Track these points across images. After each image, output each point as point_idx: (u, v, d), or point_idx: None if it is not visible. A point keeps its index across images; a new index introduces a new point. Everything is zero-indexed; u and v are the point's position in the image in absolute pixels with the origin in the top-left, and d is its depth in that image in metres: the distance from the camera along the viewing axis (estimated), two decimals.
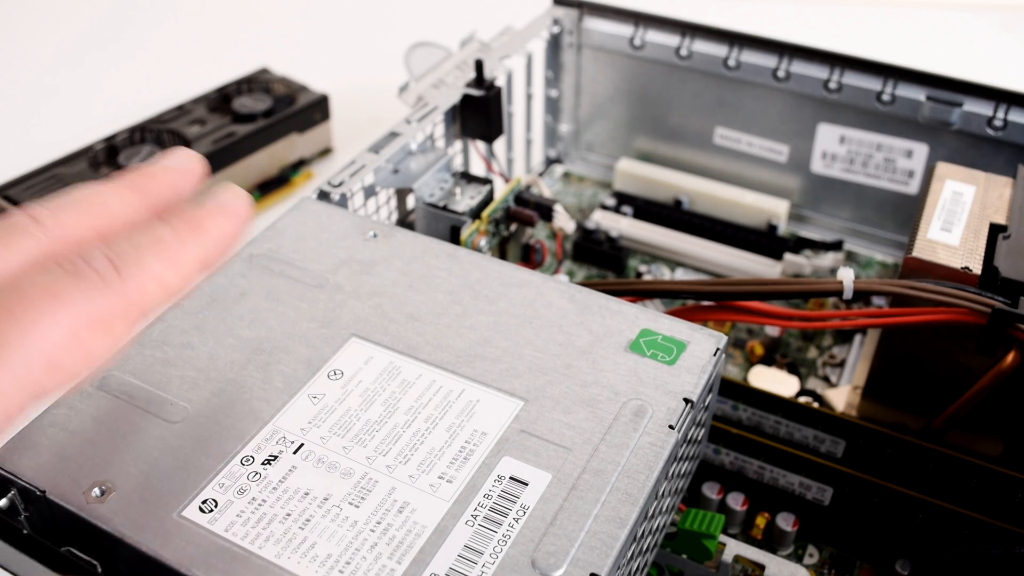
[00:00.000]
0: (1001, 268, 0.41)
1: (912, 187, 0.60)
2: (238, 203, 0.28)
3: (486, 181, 0.52)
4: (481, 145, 0.58)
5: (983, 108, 0.55)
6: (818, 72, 0.59)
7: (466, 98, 0.55)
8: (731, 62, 0.61)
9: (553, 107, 0.70)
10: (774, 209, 0.63)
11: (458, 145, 0.58)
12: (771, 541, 0.45)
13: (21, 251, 0.24)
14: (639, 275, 0.62)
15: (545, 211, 0.53)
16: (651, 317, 0.37)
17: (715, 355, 0.35)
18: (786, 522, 0.44)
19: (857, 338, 0.57)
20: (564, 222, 0.54)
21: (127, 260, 0.24)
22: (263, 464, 0.31)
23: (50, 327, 0.22)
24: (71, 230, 0.25)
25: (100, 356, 0.23)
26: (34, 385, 0.22)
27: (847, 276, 0.42)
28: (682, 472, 0.37)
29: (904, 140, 0.59)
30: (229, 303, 0.37)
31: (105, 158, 0.65)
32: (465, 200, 0.50)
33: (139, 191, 0.27)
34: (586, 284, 0.40)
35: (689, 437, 0.35)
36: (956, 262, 0.42)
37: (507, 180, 0.58)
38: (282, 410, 0.33)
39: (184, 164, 0.29)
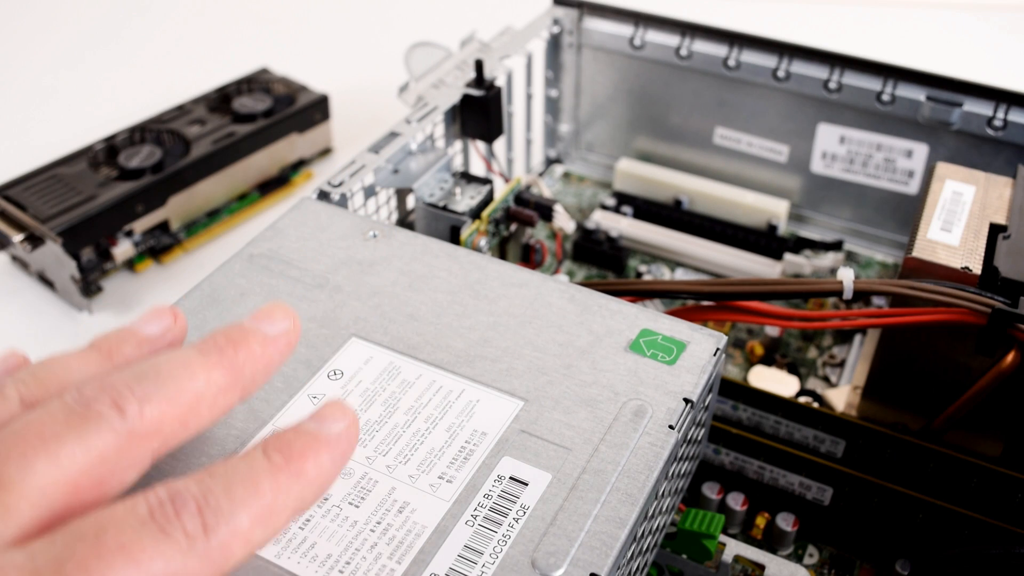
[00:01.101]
0: (1001, 268, 0.41)
1: (912, 187, 0.60)
2: (347, 438, 0.25)
3: (486, 181, 0.52)
4: (481, 145, 0.58)
5: (983, 108, 0.55)
6: (818, 72, 0.59)
7: (466, 98, 0.55)
8: (731, 62, 0.61)
9: (553, 107, 0.70)
10: (774, 209, 0.63)
11: (458, 145, 0.58)
12: (771, 541, 0.45)
13: (96, 449, 0.22)
14: (639, 275, 0.62)
15: (545, 211, 0.53)
16: (651, 317, 0.37)
17: (715, 355, 0.35)
18: (786, 522, 0.44)
19: (857, 338, 0.57)
20: (564, 222, 0.54)
21: (219, 517, 0.22)
22: None
23: None
24: (154, 423, 0.23)
25: None
26: None
27: (847, 276, 0.42)
28: (682, 472, 0.37)
29: (904, 140, 0.59)
30: (229, 303, 0.37)
31: (105, 158, 0.65)
32: (465, 200, 0.50)
33: (230, 369, 0.25)
34: (586, 284, 0.40)
35: (689, 437, 0.35)
36: (956, 262, 0.42)
37: (507, 180, 0.58)
38: (282, 410, 0.33)
39: (281, 328, 0.27)
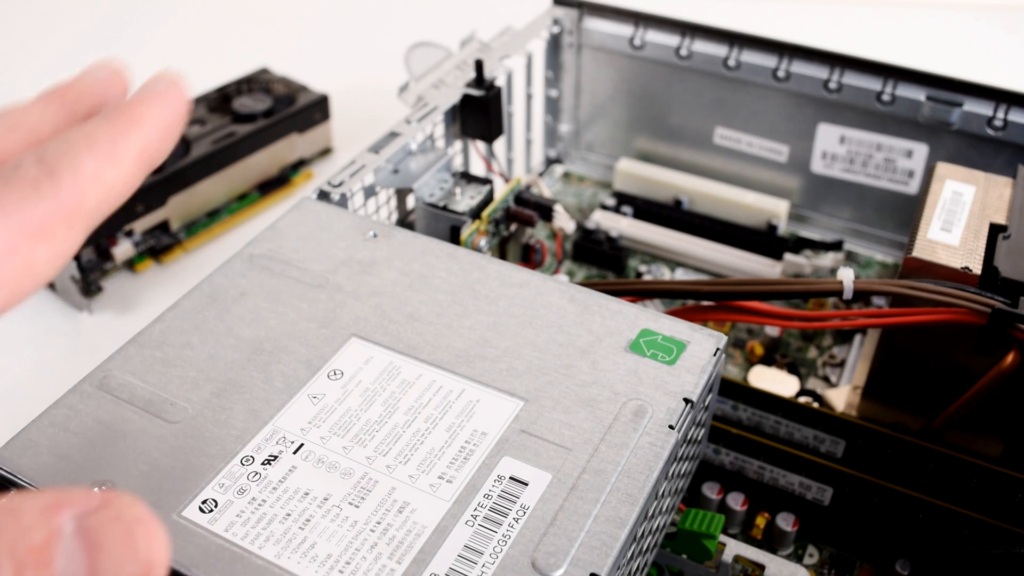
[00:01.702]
0: (1001, 268, 0.41)
1: (912, 187, 0.60)
2: (173, 88, 0.26)
3: (486, 181, 0.52)
4: (481, 145, 0.58)
5: (983, 108, 0.55)
6: (818, 72, 0.59)
7: (466, 98, 0.55)
8: (731, 62, 0.61)
9: (553, 107, 0.70)
10: (774, 209, 0.63)
11: (458, 145, 0.58)
12: (771, 541, 0.45)
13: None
14: (639, 275, 0.62)
15: (545, 211, 0.53)
16: (651, 317, 0.37)
17: (715, 355, 0.35)
18: (786, 522, 0.44)
19: (857, 338, 0.57)
20: (564, 222, 0.54)
21: (60, 160, 0.22)
22: (263, 464, 0.31)
23: None
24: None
25: (44, 269, 0.22)
26: None
27: (847, 276, 0.42)
28: (682, 472, 0.37)
29: (904, 140, 0.59)
30: (229, 303, 0.37)
31: None
32: (465, 200, 0.50)
33: (62, 101, 0.26)
34: (586, 284, 0.40)
35: (689, 437, 0.35)
36: (956, 262, 0.42)
37: (507, 180, 0.58)
38: (282, 410, 0.33)
39: (107, 75, 0.28)
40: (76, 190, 0.22)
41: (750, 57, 0.60)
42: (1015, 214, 0.44)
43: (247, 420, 0.33)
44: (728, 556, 0.38)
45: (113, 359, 0.35)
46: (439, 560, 0.28)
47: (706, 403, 0.36)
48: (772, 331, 0.56)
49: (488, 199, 0.51)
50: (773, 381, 0.53)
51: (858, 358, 0.55)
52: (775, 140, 0.63)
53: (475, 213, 0.50)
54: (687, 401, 0.33)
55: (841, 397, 0.51)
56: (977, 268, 0.42)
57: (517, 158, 0.69)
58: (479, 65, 0.55)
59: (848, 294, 0.42)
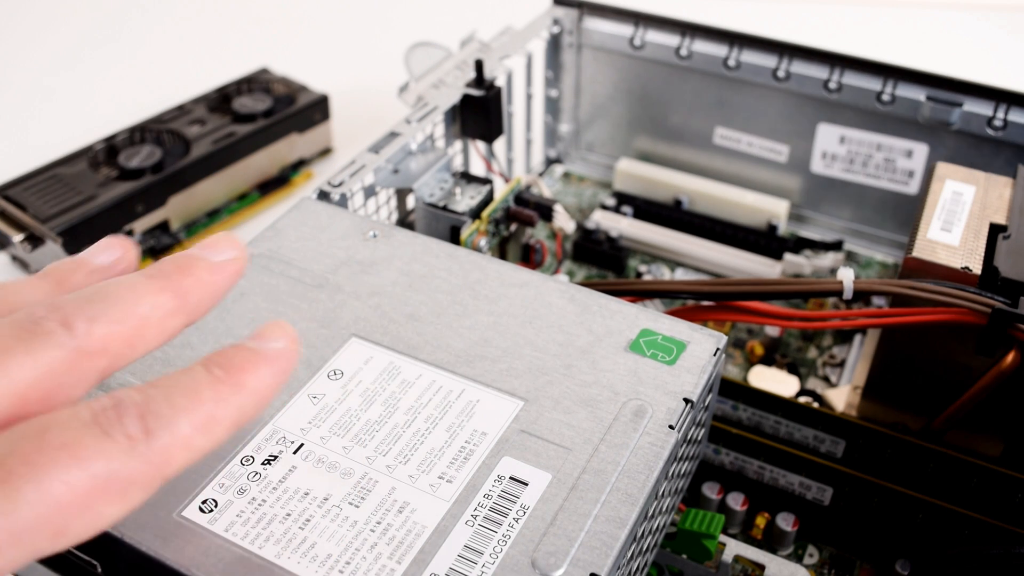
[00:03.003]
0: (1001, 268, 0.41)
1: (912, 187, 0.60)
2: (286, 354, 0.26)
3: (486, 181, 0.52)
4: (481, 145, 0.58)
5: (983, 108, 0.55)
6: (818, 72, 0.59)
7: (466, 98, 0.55)
8: (731, 62, 0.61)
9: (553, 107, 0.70)
10: (774, 209, 0.63)
11: (458, 145, 0.58)
12: (771, 541, 0.45)
13: (44, 363, 0.22)
14: (639, 275, 0.62)
15: (545, 211, 0.53)
16: (651, 317, 0.37)
17: (715, 355, 0.35)
18: (786, 522, 0.44)
19: (857, 338, 0.57)
20: (564, 222, 0.54)
21: (160, 421, 0.22)
22: (263, 464, 0.31)
23: (62, 487, 0.20)
24: (102, 341, 0.24)
25: (110, 522, 0.22)
26: (32, 547, 0.20)
27: (847, 276, 0.42)
28: (682, 472, 0.37)
29: (904, 140, 0.59)
30: (229, 303, 0.37)
31: (105, 158, 0.65)
32: (465, 200, 0.50)
33: (176, 293, 0.26)
34: (586, 284, 0.40)
35: (689, 437, 0.35)
36: (956, 262, 0.42)
37: (507, 180, 0.58)
38: (282, 410, 0.33)
39: (228, 256, 0.27)
40: (165, 455, 0.22)
41: (750, 57, 0.60)
42: (1015, 214, 0.45)
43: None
44: (728, 556, 0.38)
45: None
46: (439, 560, 0.28)
47: (706, 403, 0.36)
48: (772, 331, 0.56)
49: (488, 199, 0.51)
50: (773, 381, 0.53)
51: (858, 358, 0.55)
52: (775, 140, 0.63)
53: (475, 213, 0.50)
54: (687, 401, 0.33)
55: (841, 397, 0.51)
56: (977, 268, 0.42)
57: (517, 158, 0.69)
58: (479, 65, 0.55)
59: (848, 294, 0.42)
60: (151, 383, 0.24)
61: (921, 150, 0.59)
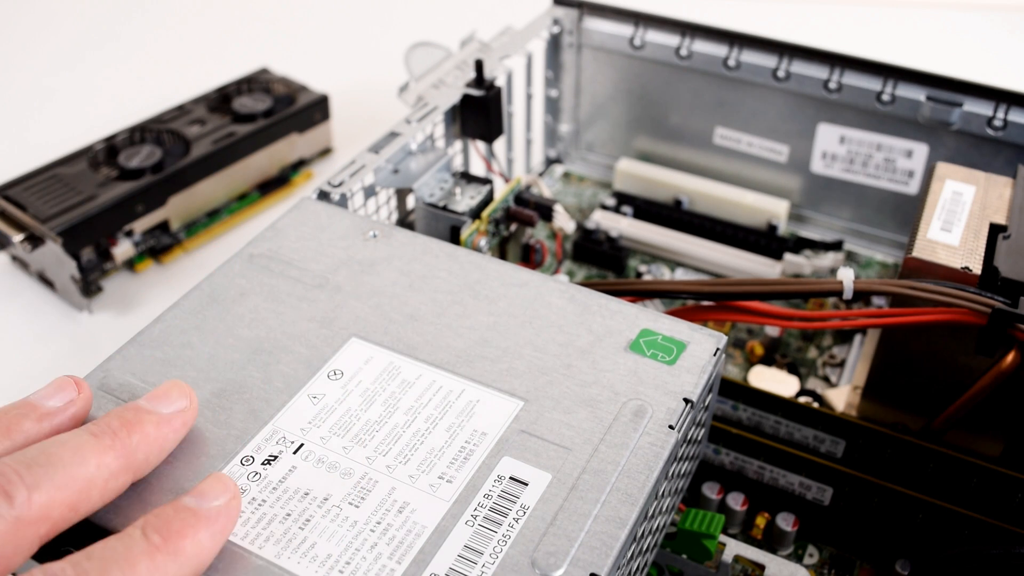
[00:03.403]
0: (1001, 268, 0.41)
1: (912, 187, 0.60)
2: (227, 512, 0.26)
3: (486, 181, 0.52)
4: (481, 145, 0.58)
5: (983, 108, 0.55)
6: (818, 72, 0.59)
7: (466, 98, 0.55)
8: (731, 62, 0.61)
9: (553, 107, 0.70)
10: (774, 209, 0.63)
11: (458, 145, 0.58)
12: (771, 541, 0.45)
13: None
14: (639, 275, 0.62)
15: (545, 211, 0.53)
16: (651, 317, 0.37)
17: (715, 355, 0.35)
18: (786, 522, 0.44)
19: (857, 338, 0.57)
20: (564, 222, 0.54)
21: None
22: (263, 464, 0.31)
23: None
24: (42, 509, 0.23)
25: None
26: None
27: (847, 276, 0.42)
28: (682, 472, 0.37)
29: (904, 140, 0.59)
30: (229, 303, 0.37)
31: (105, 158, 0.65)
32: (465, 200, 0.50)
33: (122, 451, 0.25)
34: (586, 284, 0.40)
35: (689, 437, 0.35)
36: (956, 262, 0.42)
37: (507, 180, 0.58)
38: (282, 410, 0.33)
39: (177, 408, 0.27)
40: None
41: (750, 57, 0.60)
42: (1015, 214, 0.45)
43: (247, 420, 0.33)
44: (728, 556, 0.38)
45: (113, 359, 0.35)
46: (439, 560, 0.28)
47: (706, 403, 0.36)
48: (772, 331, 0.56)
49: (488, 199, 0.51)
50: (773, 381, 0.53)
51: (858, 358, 0.55)
52: (775, 140, 0.63)
53: (475, 213, 0.50)
54: (687, 401, 0.33)
55: (841, 397, 0.51)
56: (977, 268, 0.42)
57: (517, 158, 0.69)
58: (479, 65, 0.55)
59: (848, 294, 0.42)
60: (85, 552, 0.23)
61: (921, 150, 0.59)
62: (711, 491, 0.45)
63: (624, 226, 0.63)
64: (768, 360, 0.55)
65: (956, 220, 0.44)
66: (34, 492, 0.23)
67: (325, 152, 0.76)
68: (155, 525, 0.24)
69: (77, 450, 0.25)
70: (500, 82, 0.57)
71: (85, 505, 0.25)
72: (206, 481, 0.26)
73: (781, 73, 0.60)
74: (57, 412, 0.28)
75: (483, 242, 0.50)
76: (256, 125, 0.68)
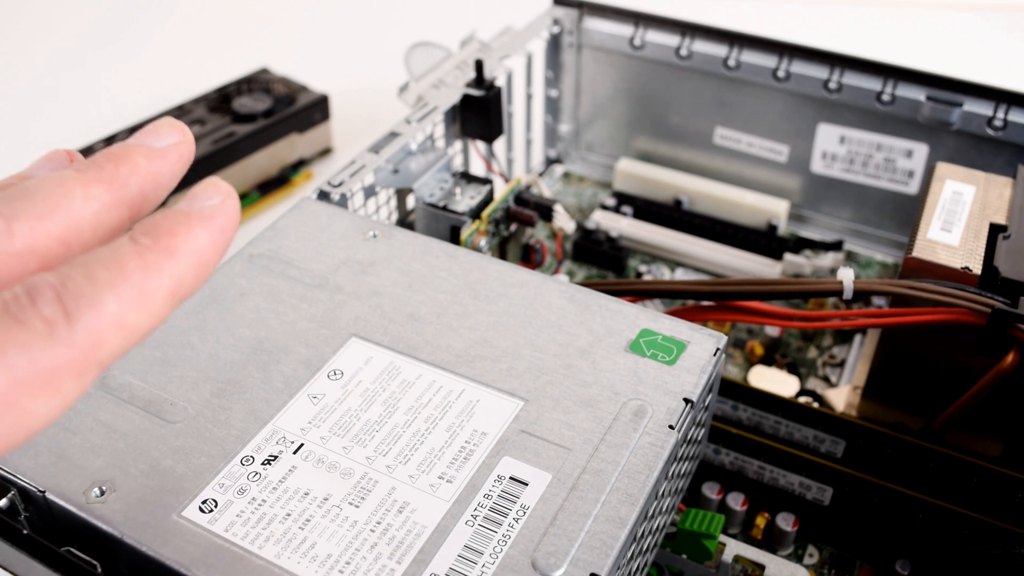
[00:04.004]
0: (1001, 268, 0.41)
1: (912, 187, 0.60)
2: (223, 210, 0.23)
3: (486, 181, 0.52)
4: (481, 145, 0.58)
5: (983, 108, 0.55)
6: (818, 72, 0.59)
7: (466, 98, 0.55)
8: (731, 62, 0.61)
9: (553, 107, 0.70)
10: (774, 209, 0.63)
11: (458, 145, 0.58)
12: (771, 541, 0.45)
13: None
14: (639, 275, 0.62)
15: (545, 211, 0.53)
16: (651, 317, 0.37)
17: (715, 355, 0.35)
18: (786, 522, 0.44)
19: (857, 338, 0.57)
20: (564, 222, 0.54)
21: (80, 301, 0.20)
22: (263, 464, 0.31)
23: None
24: (25, 240, 0.21)
25: (44, 420, 0.19)
26: None
27: (847, 276, 0.42)
28: (682, 472, 0.37)
29: (904, 140, 0.59)
30: (229, 303, 0.37)
31: None
32: (465, 200, 0.50)
33: (111, 183, 0.23)
34: (586, 284, 0.40)
35: (689, 437, 0.35)
36: (956, 262, 0.42)
37: (507, 180, 0.58)
38: (282, 410, 0.33)
39: (170, 142, 0.24)
40: (93, 337, 0.20)
41: (750, 57, 0.60)
42: (1015, 214, 0.44)
43: (247, 420, 0.33)
44: (728, 556, 0.38)
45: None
46: (439, 560, 0.28)
47: (706, 403, 0.36)
48: (772, 331, 0.56)
49: (488, 199, 0.51)
50: (773, 381, 0.53)
51: (858, 358, 0.55)
52: (775, 140, 0.63)
53: (475, 213, 0.50)
54: (687, 401, 0.33)
55: (841, 397, 0.51)
56: (977, 268, 0.42)
57: (517, 158, 0.69)
58: (479, 65, 0.55)
59: (848, 294, 0.42)
60: (69, 261, 0.21)
61: (921, 150, 0.59)
62: (711, 491, 0.45)
63: (624, 226, 0.63)
64: (768, 360, 0.55)
65: (956, 220, 0.44)
66: (13, 222, 0.21)
67: (325, 152, 0.76)
68: (143, 228, 0.22)
69: (60, 183, 0.22)
70: (500, 82, 0.57)
71: (77, 240, 0.22)
72: (197, 186, 0.24)
73: (781, 73, 0.60)
74: (167, 151, 0.25)
75: (483, 242, 0.50)
76: (256, 125, 0.68)
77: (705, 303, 0.45)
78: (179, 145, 0.25)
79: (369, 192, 0.49)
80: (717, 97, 0.63)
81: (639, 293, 0.46)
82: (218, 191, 0.23)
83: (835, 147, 0.61)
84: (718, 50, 0.61)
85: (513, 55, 0.60)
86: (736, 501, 0.45)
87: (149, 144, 0.24)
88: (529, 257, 0.57)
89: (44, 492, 0.30)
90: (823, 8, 0.98)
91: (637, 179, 0.66)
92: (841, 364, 0.55)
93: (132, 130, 0.66)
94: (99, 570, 0.30)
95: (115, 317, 0.20)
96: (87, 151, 0.64)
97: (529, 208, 0.53)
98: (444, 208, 0.49)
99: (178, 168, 0.25)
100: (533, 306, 0.37)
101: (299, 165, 0.73)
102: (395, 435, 0.32)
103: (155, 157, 0.24)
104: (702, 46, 0.62)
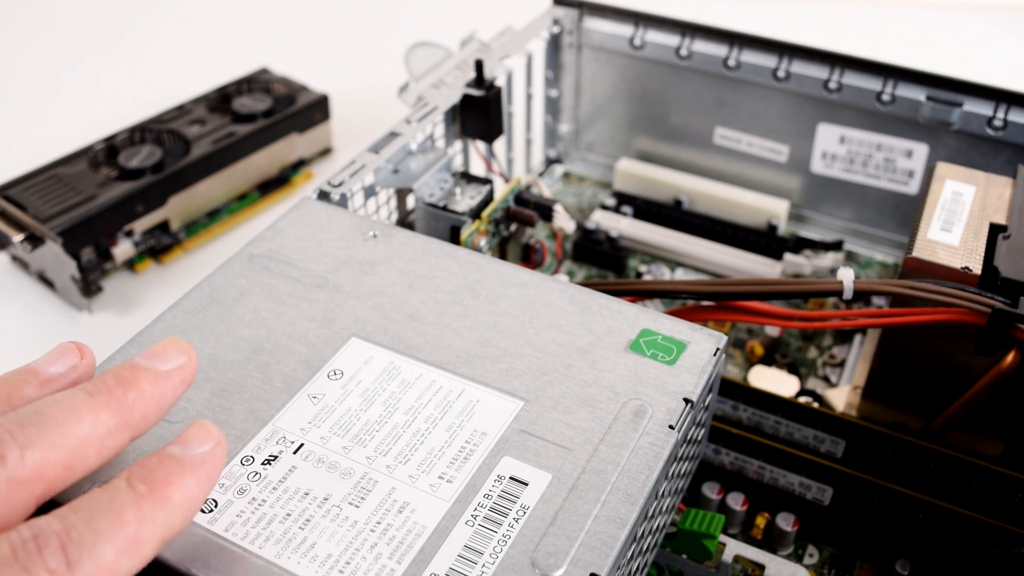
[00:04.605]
0: (1001, 268, 0.41)
1: (912, 187, 0.60)
2: (212, 458, 0.25)
3: (486, 181, 0.52)
4: (481, 145, 0.58)
5: (983, 108, 0.55)
6: (818, 72, 0.59)
7: (466, 98, 0.55)
8: (731, 62, 0.61)
9: (553, 107, 0.70)
10: (774, 209, 0.63)
11: (458, 145, 0.58)
12: (771, 541, 0.45)
13: None
14: (639, 275, 0.62)
15: (545, 211, 0.53)
16: (651, 317, 0.37)
17: (715, 355, 0.35)
18: (786, 522, 0.44)
19: (857, 338, 0.57)
20: (564, 222, 0.54)
21: (82, 551, 0.22)
22: (263, 464, 0.31)
23: None
24: (36, 469, 0.23)
25: None
26: None
27: (847, 276, 0.42)
28: (682, 472, 0.37)
29: (904, 140, 0.59)
30: (229, 303, 0.37)
31: (105, 158, 0.65)
32: (465, 200, 0.50)
33: (118, 408, 0.25)
34: (586, 284, 0.40)
35: (689, 437, 0.35)
36: (956, 262, 0.42)
37: (507, 180, 0.58)
38: (282, 410, 0.33)
39: (174, 365, 0.27)
40: None
41: (750, 57, 0.60)
42: (1015, 214, 0.45)
43: (247, 420, 0.33)
44: (728, 556, 0.38)
45: (113, 359, 0.35)
46: (439, 560, 0.28)
47: (706, 403, 0.36)
48: (772, 331, 0.56)
49: (488, 199, 0.51)
50: (773, 381, 0.53)
51: (858, 358, 0.55)
52: (775, 140, 0.63)
53: (475, 213, 0.50)
54: (687, 401, 0.33)
55: (841, 397, 0.51)
56: (977, 268, 0.42)
57: (517, 158, 0.69)
58: (479, 65, 0.55)
59: (848, 294, 0.42)
60: (71, 505, 0.23)
61: (921, 150, 0.59)
62: (711, 491, 0.45)
63: (624, 226, 0.63)
64: (768, 360, 0.55)
65: (956, 220, 0.45)
66: (27, 451, 0.23)
67: (325, 152, 0.76)
68: (140, 475, 0.24)
69: (71, 408, 0.24)
70: (500, 82, 0.57)
71: (81, 464, 0.24)
72: (189, 429, 0.26)
73: (781, 73, 0.60)
74: (59, 378, 0.27)
75: (483, 242, 0.50)
76: (256, 125, 0.68)
77: (705, 303, 0.45)
78: (182, 368, 0.27)
79: (369, 192, 0.49)
80: (717, 97, 0.63)
81: (639, 293, 0.46)
82: (209, 436, 0.26)
83: (835, 147, 0.61)
84: (718, 50, 0.61)
85: (513, 55, 0.60)
86: (736, 501, 0.45)
87: (156, 368, 0.27)
88: (529, 257, 0.57)
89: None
90: (823, 8, 0.98)
91: (637, 179, 0.66)
92: (841, 364, 0.55)
93: (133, 130, 0.66)
94: None
95: (110, 565, 0.22)
96: (87, 151, 0.64)
97: (529, 208, 0.53)
98: (444, 208, 0.49)
99: (180, 390, 0.27)
100: (533, 306, 0.37)
101: (299, 165, 0.73)
102: (395, 435, 0.32)
103: (160, 382, 0.26)
104: (702, 46, 0.62)
